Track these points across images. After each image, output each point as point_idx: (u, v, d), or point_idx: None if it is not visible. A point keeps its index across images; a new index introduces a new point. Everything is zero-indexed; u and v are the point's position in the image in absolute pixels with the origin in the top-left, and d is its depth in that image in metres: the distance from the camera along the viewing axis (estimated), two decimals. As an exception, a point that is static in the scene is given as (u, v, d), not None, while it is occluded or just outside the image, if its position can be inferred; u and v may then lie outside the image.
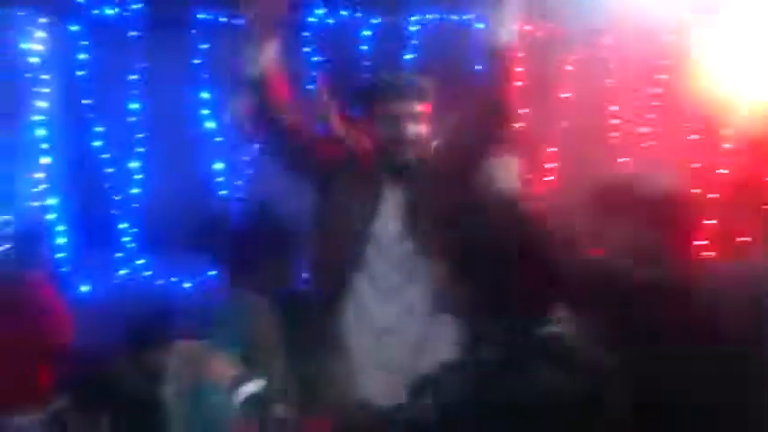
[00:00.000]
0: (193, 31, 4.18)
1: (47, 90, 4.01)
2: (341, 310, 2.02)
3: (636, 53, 4.01)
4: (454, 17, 4.22)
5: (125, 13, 4.09)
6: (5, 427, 2.99)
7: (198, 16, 4.17)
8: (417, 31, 4.22)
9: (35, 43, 3.97)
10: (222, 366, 1.69)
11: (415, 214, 2.15)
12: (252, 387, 1.68)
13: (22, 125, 3.96)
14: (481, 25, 4.28)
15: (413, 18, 4.22)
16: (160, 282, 4.22)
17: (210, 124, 4.25)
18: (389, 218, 2.15)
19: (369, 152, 2.14)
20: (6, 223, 3.82)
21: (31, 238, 3.50)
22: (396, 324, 2.08)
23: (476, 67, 4.27)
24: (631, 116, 4.10)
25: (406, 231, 2.14)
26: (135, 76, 4.14)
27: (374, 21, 4.22)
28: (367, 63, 4.15)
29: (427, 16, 4.23)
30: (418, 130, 2.16)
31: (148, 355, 3.05)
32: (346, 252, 2.08)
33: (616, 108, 4.13)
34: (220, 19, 4.19)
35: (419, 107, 2.16)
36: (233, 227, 2.35)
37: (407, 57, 4.19)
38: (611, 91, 4.13)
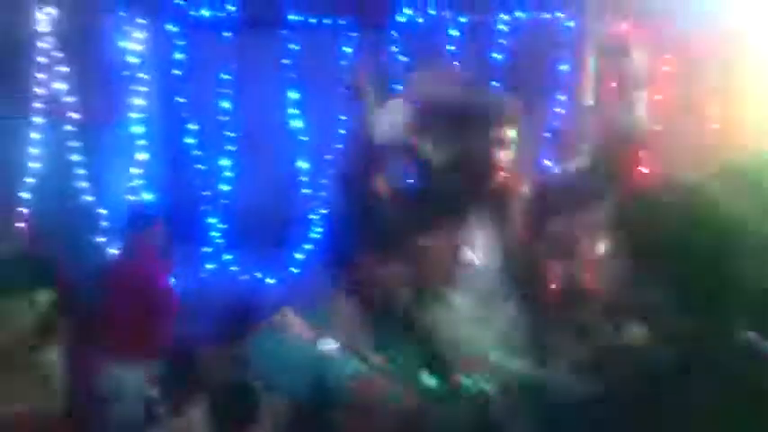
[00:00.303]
0: (284, 32, 4.26)
1: (144, 89, 4.17)
2: (432, 332, 1.98)
3: (733, 53, 3.84)
4: (545, 15, 4.14)
5: (220, 15, 4.20)
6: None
7: (289, 17, 4.25)
8: (506, 30, 4.17)
9: (135, 43, 4.14)
10: (302, 326, 1.71)
11: (507, 238, 2.11)
12: (330, 344, 1.69)
13: (120, 122, 4.13)
14: (572, 24, 4.23)
15: (502, 17, 4.17)
16: (245, 277, 4.32)
17: (298, 123, 4.33)
18: (478, 241, 2.11)
19: (454, 174, 2.10)
20: (103, 216, 4.01)
21: (130, 229, 3.66)
22: (489, 345, 2.05)
23: (564, 67, 4.24)
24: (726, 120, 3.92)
25: (498, 255, 2.10)
26: (227, 76, 4.26)
27: (462, 20, 4.19)
28: (455, 63, 4.13)
29: (516, 15, 4.17)
30: (507, 155, 2.12)
31: (237, 346, 3.13)
32: (435, 276, 2.04)
33: (712, 111, 3.96)
34: (310, 20, 4.26)
35: (508, 133, 2.11)
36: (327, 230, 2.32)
37: (496, 56, 4.15)
38: (705, 93, 3.97)
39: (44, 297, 3.44)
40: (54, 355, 3.41)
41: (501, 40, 4.18)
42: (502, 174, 2.08)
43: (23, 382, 3.29)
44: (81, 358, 3.34)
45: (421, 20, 4.19)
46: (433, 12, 4.16)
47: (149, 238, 3.53)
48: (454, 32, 4.20)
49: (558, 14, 4.17)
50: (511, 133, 2.08)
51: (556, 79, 4.15)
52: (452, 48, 4.18)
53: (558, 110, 4.15)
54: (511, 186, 2.12)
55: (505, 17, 4.19)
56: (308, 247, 4.34)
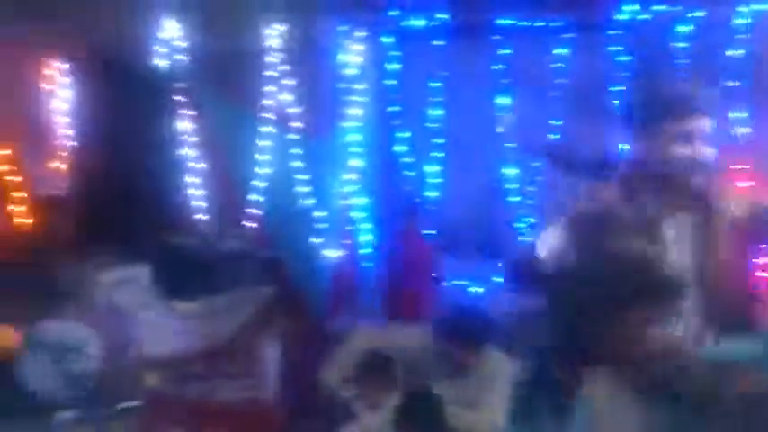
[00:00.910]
0: (495, 37, 4.20)
1: (360, 99, 4.34)
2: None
3: None
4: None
5: (432, 24, 4.24)
6: None
7: (498, 22, 4.18)
8: (746, 24, 3.72)
9: (352, 55, 4.32)
10: None
11: (710, 240, 1.89)
12: None
13: (338, 131, 4.34)
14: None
15: (740, 9, 3.73)
16: (449, 284, 4.31)
17: (506, 130, 4.24)
18: (675, 244, 1.91)
19: (655, 173, 1.93)
20: (321, 219, 4.25)
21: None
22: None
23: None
24: None
25: (696, 260, 1.88)
26: (437, 84, 4.29)
27: (694, 14, 3.81)
28: (683, 62, 3.77)
29: (757, 7, 3.71)
30: (708, 149, 1.93)
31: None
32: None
33: None
34: (521, 23, 4.15)
35: (710, 125, 1.93)
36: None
37: (732, 54, 3.72)
38: None
39: (267, 293, 3.74)
40: (273, 348, 3.68)
41: (739, 36, 3.75)
42: (703, 168, 1.90)
43: (244, 373, 3.59)
44: (296, 352, 3.58)
45: (646, 16, 3.89)
46: (659, 7, 3.83)
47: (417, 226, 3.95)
48: (684, 29, 3.84)
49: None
50: (712, 126, 1.90)
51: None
52: (682, 45, 3.82)
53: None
54: (713, 191, 1.92)
55: (744, 9, 3.74)
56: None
